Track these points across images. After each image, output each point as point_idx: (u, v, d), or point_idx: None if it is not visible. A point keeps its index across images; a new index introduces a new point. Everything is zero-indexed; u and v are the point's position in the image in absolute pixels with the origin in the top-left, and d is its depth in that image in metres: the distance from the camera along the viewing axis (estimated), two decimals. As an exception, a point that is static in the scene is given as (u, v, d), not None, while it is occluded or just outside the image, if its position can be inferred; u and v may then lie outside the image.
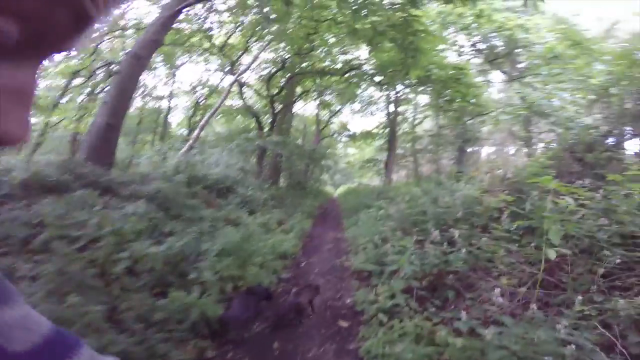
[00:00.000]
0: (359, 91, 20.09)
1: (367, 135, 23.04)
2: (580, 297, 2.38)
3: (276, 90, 14.18)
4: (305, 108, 25.62)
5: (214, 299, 3.24)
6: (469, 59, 13.15)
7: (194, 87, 18.98)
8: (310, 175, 24.03)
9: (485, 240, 3.80)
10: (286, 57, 13.43)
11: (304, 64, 14.02)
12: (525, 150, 16.88)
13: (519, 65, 15.27)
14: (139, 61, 7.70)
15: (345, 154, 27.82)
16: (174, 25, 13.08)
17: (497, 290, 2.89)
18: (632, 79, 5.44)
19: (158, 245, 3.71)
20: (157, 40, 8.12)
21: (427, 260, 3.91)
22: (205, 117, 10.40)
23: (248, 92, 18.54)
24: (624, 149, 5.22)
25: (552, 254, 2.58)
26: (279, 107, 14.83)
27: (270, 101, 13.90)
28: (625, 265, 2.50)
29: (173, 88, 19.76)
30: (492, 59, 13.29)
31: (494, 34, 12.53)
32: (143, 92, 19.66)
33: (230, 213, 6.34)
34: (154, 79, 19.23)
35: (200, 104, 19.30)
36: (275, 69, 13.99)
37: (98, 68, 11.84)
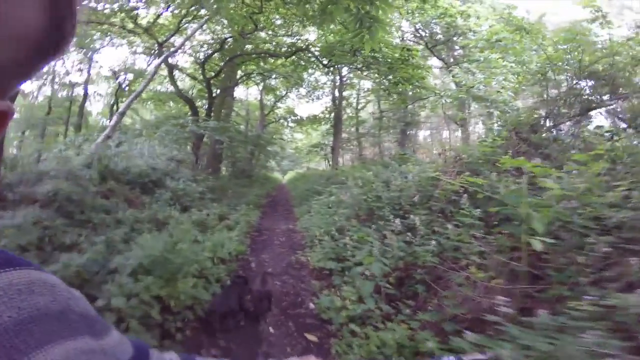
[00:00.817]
0: (305, 75, 19.23)
1: (314, 120, 22.42)
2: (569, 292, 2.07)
3: (213, 74, 12.65)
4: (248, 93, 24.05)
5: (137, 330, 2.37)
6: (411, 44, 13.10)
7: (116, 72, 16.31)
8: (255, 163, 22.78)
9: (450, 228, 3.45)
10: (225, 37, 11.96)
11: (247, 46, 12.69)
12: (459, 132, 17.94)
13: (456, 52, 15.85)
14: None
15: (293, 139, 26.96)
16: (88, 4, 10.77)
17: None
18: (567, 63, 5.57)
19: (49, 264, 2.65)
20: None
21: (392, 253, 3.46)
22: (125, 103, 8.71)
23: (181, 77, 16.51)
24: (561, 130, 5.36)
25: (537, 245, 2.24)
26: (217, 91, 13.34)
27: (206, 85, 12.38)
28: (608, 254, 2.25)
29: (91, 74, 16.78)
30: (433, 45, 13.45)
31: (435, 20, 12.63)
32: (52, 78, 16.38)
33: (158, 212, 5.24)
34: (66, 64, 16.08)
35: (125, 90, 16.73)
36: (212, 51, 12.42)
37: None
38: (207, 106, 12.60)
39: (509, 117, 6.12)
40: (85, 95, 16.42)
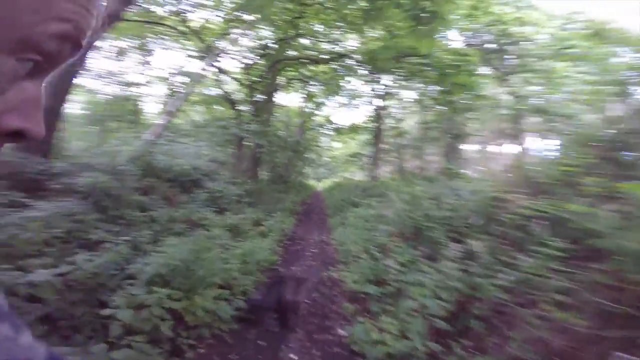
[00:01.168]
0: (344, 84, 18.99)
1: (353, 129, 21.99)
2: None
3: (257, 79, 12.81)
4: (289, 100, 24.33)
5: (142, 345, 2.08)
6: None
7: (170, 74, 17.29)
8: (293, 169, 22.78)
9: (522, 258, 2.80)
10: (268, 43, 12.10)
11: (288, 52, 12.74)
12: (514, 146, 16.40)
13: (508, 62, 14.61)
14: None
15: (330, 148, 26.71)
16: (143, 7, 11.54)
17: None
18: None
19: (67, 264, 2.47)
20: (111, 15, 6.71)
21: (447, 283, 2.88)
22: (174, 104, 8.96)
23: (228, 80, 17.05)
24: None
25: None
26: (259, 96, 13.48)
27: (250, 89, 12.53)
28: None
29: (147, 75, 17.99)
30: (487, 53, 12.47)
31: (488, 28, 11.71)
32: (114, 78, 17.79)
33: (193, 213, 5.09)
34: (125, 65, 17.42)
35: (179, 92, 17.69)
36: (257, 55, 12.62)
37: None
38: (250, 110, 12.72)
39: (580, 131, 5.21)
40: (141, 95, 17.55)
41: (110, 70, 16.99)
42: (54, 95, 5.89)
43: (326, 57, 12.26)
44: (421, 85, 14.99)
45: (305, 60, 13.09)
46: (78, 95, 19.80)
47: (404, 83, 18.91)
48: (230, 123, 10.35)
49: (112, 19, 6.70)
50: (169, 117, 8.66)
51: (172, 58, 28.29)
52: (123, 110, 17.13)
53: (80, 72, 6.56)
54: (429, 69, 10.37)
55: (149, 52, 15.89)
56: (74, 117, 17.84)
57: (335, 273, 4.49)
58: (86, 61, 6.67)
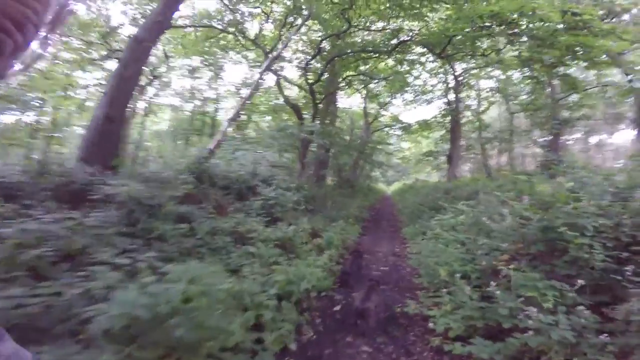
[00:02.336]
0: (411, 79, 17.08)
1: (424, 126, 19.66)
2: None
3: (315, 80, 12.07)
4: (351, 102, 23.24)
5: None
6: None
7: (238, 87, 17.96)
8: (360, 172, 21.47)
9: None
10: (321, 39, 11.25)
11: (342, 47, 11.71)
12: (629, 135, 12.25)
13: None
14: (141, 45, 6.25)
15: (399, 148, 24.58)
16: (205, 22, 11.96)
17: None
18: None
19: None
20: (161, 21, 6.65)
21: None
22: (235, 111, 8.67)
23: (289, 86, 16.85)
24: None
25: None
26: (320, 98, 12.70)
27: (310, 91, 11.80)
28: None
29: (219, 90, 19.07)
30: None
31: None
32: (192, 95, 19.31)
33: (241, 223, 4.31)
34: (201, 81, 18.75)
35: (248, 103, 18.31)
36: (311, 56, 11.89)
37: (105, 57, 10.69)
38: (312, 113, 12.01)
39: None
40: (216, 108, 18.64)
41: (187, 87, 18.54)
42: (113, 105, 5.91)
43: (384, 49, 10.79)
44: (508, 65, 12.26)
45: (363, 55, 11.82)
46: (164, 113, 22.28)
47: (483, 67, 16.14)
48: (292, 126, 9.70)
49: (160, 27, 6.62)
50: (228, 126, 8.36)
51: (240, 71, 29.94)
52: (201, 125, 18.36)
53: (138, 76, 6.57)
54: (522, 38, 8.06)
55: (219, 67, 16.68)
56: (161, 133, 19.86)
57: (415, 308, 3.12)
58: (141, 71, 6.69)
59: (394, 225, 8.36)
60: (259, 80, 9.97)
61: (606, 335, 1.61)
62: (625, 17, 5.88)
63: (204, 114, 18.26)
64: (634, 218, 2.61)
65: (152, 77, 16.16)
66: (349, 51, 11.17)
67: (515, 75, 16.79)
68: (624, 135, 21.92)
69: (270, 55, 10.84)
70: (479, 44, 9.82)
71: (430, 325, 2.63)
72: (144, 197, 3.64)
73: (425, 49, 11.33)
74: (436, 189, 11.79)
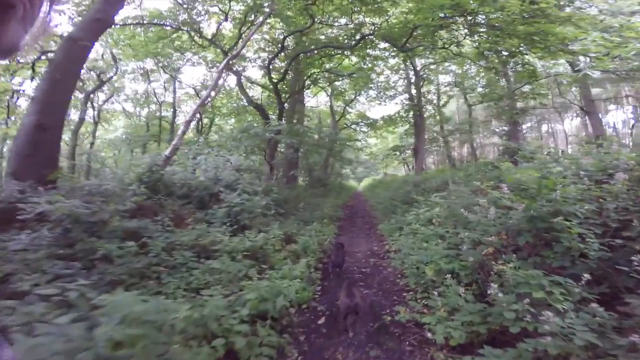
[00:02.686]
0: (373, 75, 17.21)
1: (389, 122, 19.92)
2: None
3: (279, 78, 11.61)
4: (318, 101, 22.99)
5: None
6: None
7: (196, 89, 16.99)
8: (331, 171, 21.25)
9: None
10: (284, 36, 10.81)
11: (306, 44, 11.36)
12: (577, 122, 13.23)
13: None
14: (77, 45, 5.43)
15: (367, 145, 24.77)
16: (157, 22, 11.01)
17: None
18: None
19: None
20: (100, 19, 5.85)
21: None
22: (191, 112, 7.97)
23: (253, 87, 16.20)
24: None
25: None
26: (286, 97, 12.25)
27: (274, 90, 11.33)
28: None
29: (177, 93, 17.89)
30: None
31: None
32: (146, 99, 17.95)
33: (203, 235, 3.79)
34: (154, 85, 17.47)
35: (208, 105, 17.36)
36: (274, 54, 11.41)
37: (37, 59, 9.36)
38: (277, 112, 11.51)
39: None
40: (174, 112, 17.42)
41: (141, 92, 17.19)
42: (45, 111, 5.07)
43: (347, 45, 10.60)
44: (465, 58, 12.61)
45: (327, 51, 11.57)
46: (117, 120, 20.50)
47: (441, 62, 16.64)
48: (256, 126, 9.17)
49: (99, 25, 5.83)
50: (186, 127, 7.66)
51: (200, 73, 28.65)
52: (159, 130, 17.08)
53: (75, 79, 5.73)
54: (482, 29, 8.21)
55: (176, 69, 15.61)
56: (115, 141, 18.23)
57: (405, 314, 2.83)
58: (78, 73, 5.84)
59: (369, 222, 8.16)
60: (218, 81, 9.30)
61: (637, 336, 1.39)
62: (577, 3, 6.12)
63: (161, 118, 17.00)
64: (618, 202, 2.50)
65: (100, 82, 14.72)
66: (312, 47, 10.83)
67: (472, 69, 17.65)
68: (572, 123, 23.82)
69: (229, 54, 10.21)
70: (438, 37, 9.93)
71: (428, 335, 2.33)
72: (83, 213, 3.01)
73: (387, 44, 11.31)
74: (406, 183, 11.84)
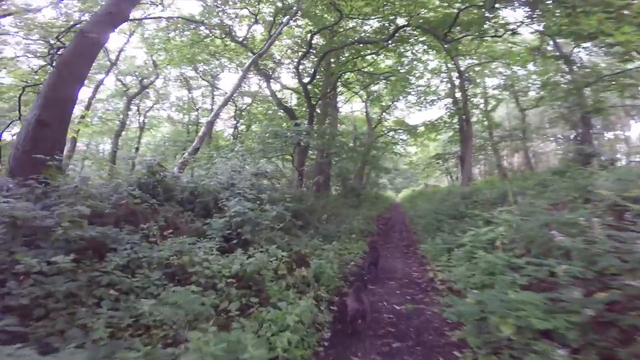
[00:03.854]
0: (412, 80, 15.94)
1: (431, 128, 18.18)
2: None
3: (309, 79, 10.82)
4: (353, 107, 21.93)
5: None
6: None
7: (233, 96, 16.96)
8: (366, 180, 19.87)
9: None
10: (312, 35, 10.02)
11: (336, 42, 10.46)
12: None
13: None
14: (86, 39, 5.06)
15: (406, 154, 23.00)
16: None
17: None
18: None
19: None
20: (113, 13, 5.47)
21: None
22: (213, 112, 7.44)
23: (285, 92, 15.68)
24: None
25: None
26: (316, 99, 11.42)
27: (304, 91, 10.56)
28: None
29: (216, 99, 18.14)
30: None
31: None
32: (189, 105, 18.35)
33: (185, 251, 2.89)
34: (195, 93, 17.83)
35: (245, 111, 17.35)
36: (303, 52, 10.67)
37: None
38: (308, 116, 10.68)
39: None
40: (214, 119, 17.65)
41: (184, 99, 17.57)
42: (48, 106, 4.67)
43: (381, 38, 9.45)
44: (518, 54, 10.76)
45: (359, 48, 10.55)
46: (163, 127, 21.26)
47: (488, 63, 14.82)
48: (281, 128, 8.37)
49: (112, 20, 5.45)
50: (208, 127, 7.09)
51: (235, 80, 29.36)
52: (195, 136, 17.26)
53: (83, 75, 5.33)
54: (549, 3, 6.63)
55: (214, 76, 15.74)
56: (156, 146, 18.73)
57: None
58: (87, 68, 5.45)
59: (408, 238, 6.80)
60: (243, 79, 8.74)
61: None
62: None
63: (198, 124, 17.18)
64: None
65: (141, 87, 15.22)
66: (342, 45, 9.90)
67: (521, 70, 15.54)
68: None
69: (258, 58, 9.69)
70: (487, 25, 8.39)
71: None
72: (25, 217, 2.29)
73: (425, 39, 9.93)
74: (451, 194, 10.22)
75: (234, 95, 16.29)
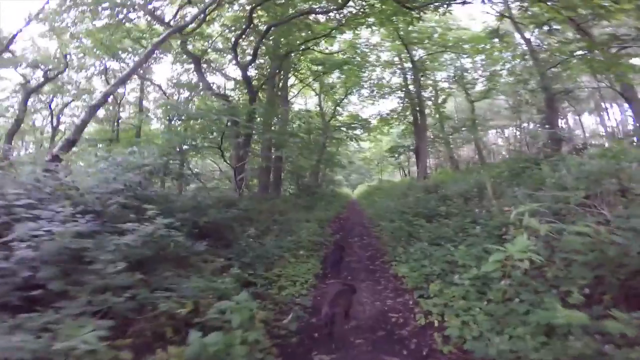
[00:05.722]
0: (365, 72, 15.05)
1: (384, 121, 17.45)
2: None
3: (249, 58, 8.89)
4: (306, 102, 20.33)
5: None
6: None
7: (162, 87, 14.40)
8: (322, 177, 18.36)
9: None
10: (252, 7, 8.09)
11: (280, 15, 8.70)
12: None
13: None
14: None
15: (360, 149, 22.01)
16: None
17: None
18: None
19: None
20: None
21: None
22: (99, 98, 5.19)
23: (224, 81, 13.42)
24: None
25: None
26: (257, 86, 9.52)
27: (243, 75, 8.67)
28: None
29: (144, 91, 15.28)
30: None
31: None
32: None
33: None
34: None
35: (181, 104, 14.85)
36: (242, 30, 8.68)
37: None
38: (250, 102, 8.67)
39: None
40: (140, 110, 14.95)
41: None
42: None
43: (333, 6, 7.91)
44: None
45: (308, 22, 8.93)
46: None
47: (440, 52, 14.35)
48: (211, 108, 6.36)
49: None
50: (89, 113, 4.87)
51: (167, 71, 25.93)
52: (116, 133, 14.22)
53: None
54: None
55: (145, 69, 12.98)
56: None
57: None
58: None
59: (371, 246, 5.24)
60: (151, 55, 6.57)
61: None
62: None
63: (118, 120, 14.18)
64: None
65: (45, 79, 11.88)
66: (288, 16, 8.14)
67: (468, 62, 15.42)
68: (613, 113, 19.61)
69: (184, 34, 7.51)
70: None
71: None
72: None
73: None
74: (412, 188, 9.09)
75: (154, 81, 13.60)
